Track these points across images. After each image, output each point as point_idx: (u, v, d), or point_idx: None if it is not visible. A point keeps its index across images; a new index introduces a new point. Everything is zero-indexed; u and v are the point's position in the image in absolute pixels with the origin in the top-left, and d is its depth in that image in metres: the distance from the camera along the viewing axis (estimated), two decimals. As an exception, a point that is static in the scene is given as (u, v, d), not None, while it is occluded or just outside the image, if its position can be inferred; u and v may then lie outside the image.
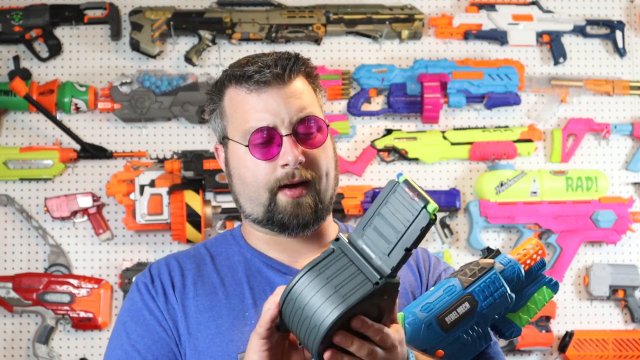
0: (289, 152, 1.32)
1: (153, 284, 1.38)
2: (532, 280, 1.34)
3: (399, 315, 1.21)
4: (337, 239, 1.10)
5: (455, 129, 2.86)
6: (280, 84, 1.35)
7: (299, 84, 1.37)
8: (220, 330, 1.32)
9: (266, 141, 1.34)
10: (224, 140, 1.41)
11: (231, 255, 1.42)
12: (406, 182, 1.05)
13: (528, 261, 1.33)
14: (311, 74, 1.41)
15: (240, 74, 1.36)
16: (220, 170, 2.68)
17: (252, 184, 1.36)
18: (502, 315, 1.30)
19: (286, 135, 1.33)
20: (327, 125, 1.39)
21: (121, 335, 1.37)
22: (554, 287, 1.35)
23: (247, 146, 1.34)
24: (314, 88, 1.41)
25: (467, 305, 1.25)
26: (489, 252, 1.32)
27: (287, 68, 1.35)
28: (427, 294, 1.28)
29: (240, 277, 1.38)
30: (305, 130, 1.35)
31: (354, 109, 2.84)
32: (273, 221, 1.36)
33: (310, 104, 1.37)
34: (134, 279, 2.18)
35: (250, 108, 1.35)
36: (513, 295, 1.29)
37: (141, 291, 1.38)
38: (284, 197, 1.34)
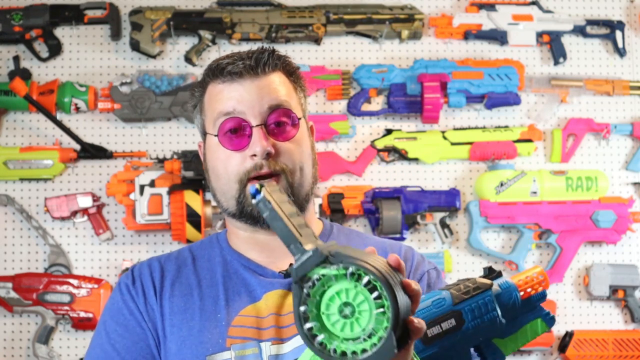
0: (257, 142, 1.32)
1: (134, 285, 1.38)
2: (528, 310, 1.26)
3: None
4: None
5: (455, 129, 2.86)
6: (253, 76, 1.35)
7: (275, 78, 1.37)
8: (192, 332, 1.32)
9: (236, 131, 1.34)
10: (203, 136, 1.42)
11: (212, 258, 1.41)
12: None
13: (529, 289, 1.26)
14: (291, 72, 1.41)
15: (215, 67, 1.37)
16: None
17: (224, 176, 1.35)
18: (488, 339, 1.23)
19: (256, 125, 1.33)
20: (302, 120, 1.38)
21: (101, 334, 1.38)
22: (550, 321, 1.28)
23: (216, 135, 1.34)
24: (294, 86, 1.41)
25: (452, 322, 1.18)
26: (490, 273, 1.25)
27: (260, 61, 1.35)
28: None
29: (217, 278, 1.37)
30: (277, 122, 1.34)
31: (354, 109, 2.84)
32: (245, 214, 1.36)
33: (284, 98, 1.36)
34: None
35: (222, 97, 1.35)
36: (504, 321, 1.21)
37: (122, 291, 1.38)
38: None
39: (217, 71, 1.37)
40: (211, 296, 1.35)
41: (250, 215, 1.35)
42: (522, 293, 1.24)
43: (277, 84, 1.37)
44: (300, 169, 1.36)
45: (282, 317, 1.33)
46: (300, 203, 1.37)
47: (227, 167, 1.35)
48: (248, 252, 1.40)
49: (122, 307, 1.38)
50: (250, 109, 1.33)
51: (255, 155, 1.32)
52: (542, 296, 1.26)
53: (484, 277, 1.24)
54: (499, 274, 1.25)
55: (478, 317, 1.19)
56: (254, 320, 1.32)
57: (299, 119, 1.37)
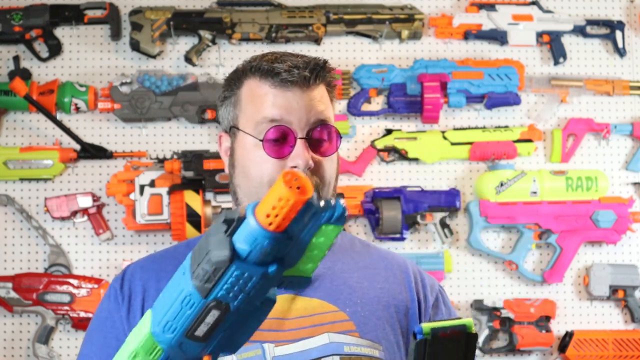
0: (301, 155, 1.32)
1: (122, 290, 1.38)
2: (302, 229, 0.92)
3: None
4: None
5: (455, 129, 2.86)
6: (304, 87, 1.35)
7: (322, 91, 1.38)
8: None
9: (280, 139, 1.33)
10: (231, 129, 1.40)
11: None
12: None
13: (280, 219, 0.89)
14: (331, 84, 1.43)
15: (267, 69, 1.35)
16: (220, 170, 2.68)
17: (256, 179, 1.35)
18: (277, 282, 0.96)
19: (301, 137, 1.33)
20: (340, 138, 1.39)
21: (87, 343, 1.41)
22: (339, 220, 0.93)
23: (261, 140, 1.33)
24: (331, 98, 1.42)
25: (215, 313, 0.94)
26: (228, 225, 0.91)
27: (315, 73, 1.36)
28: (165, 306, 0.96)
29: None
30: (319, 137, 1.35)
31: (354, 109, 2.84)
32: None
33: (328, 113, 1.38)
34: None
35: (269, 102, 1.34)
36: (272, 269, 0.91)
37: (110, 298, 1.39)
38: None
39: (269, 74, 1.35)
40: None
41: None
42: (272, 232, 0.90)
43: (323, 97, 1.38)
44: (329, 184, 1.37)
45: (287, 320, 1.32)
46: None
47: (263, 171, 1.34)
48: None
49: (107, 316, 1.38)
50: (298, 120, 1.34)
51: (295, 166, 1.32)
52: (307, 208, 0.90)
53: (223, 232, 0.92)
54: (234, 226, 0.91)
55: (239, 292, 0.93)
56: None
57: (341, 137, 1.39)
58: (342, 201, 0.93)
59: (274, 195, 0.88)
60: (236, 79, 1.40)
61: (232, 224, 0.91)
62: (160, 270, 1.39)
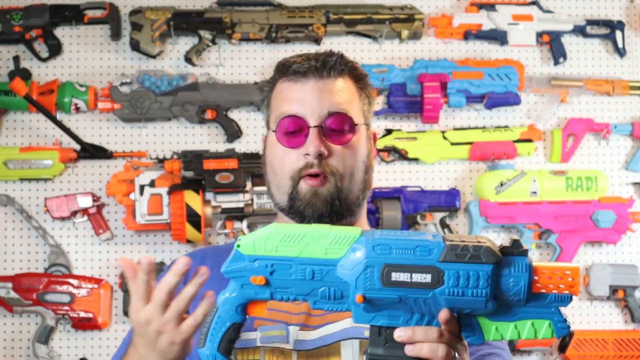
0: (311, 142, 1.37)
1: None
2: (538, 306, 1.07)
3: None
4: None
5: (455, 129, 2.86)
6: (318, 78, 1.40)
7: (340, 83, 1.41)
8: None
9: (294, 130, 1.38)
10: (267, 130, 1.47)
11: None
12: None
13: (550, 285, 1.05)
14: (359, 78, 1.45)
15: (282, 64, 1.43)
16: (220, 170, 2.69)
17: (279, 172, 1.41)
18: (470, 314, 1.07)
19: (313, 126, 1.37)
20: (361, 127, 1.41)
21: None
22: (560, 330, 1.07)
23: (274, 131, 1.40)
24: (359, 93, 1.45)
25: (427, 277, 1.03)
26: (514, 246, 1.06)
27: (327, 64, 1.40)
28: (401, 236, 1.06)
29: None
30: (334, 126, 1.39)
31: (354, 109, 2.83)
32: (294, 210, 1.40)
33: (346, 103, 1.40)
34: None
35: (286, 96, 1.41)
36: (491, 304, 1.05)
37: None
38: (304, 185, 1.39)
39: (283, 69, 1.42)
40: None
41: (299, 211, 1.39)
42: (539, 285, 1.06)
43: (340, 89, 1.41)
44: (351, 174, 1.40)
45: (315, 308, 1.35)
46: (348, 206, 1.41)
47: (284, 163, 1.40)
48: None
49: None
50: (310, 110, 1.38)
51: (308, 154, 1.37)
52: (564, 299, 1.06)
53: (504, 247, 1.06)
54: (523, 252, 1.06)
55: (462, 286, 1.03)
56: (286, 305, 1.32)
57: (356, 125, 1.41)
58: (572, 329, 1.03)
59: (564, 266, 1.06)
60: (269, 82, 1.47)
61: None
62: (206, 256, 1.43)
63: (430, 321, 1.07)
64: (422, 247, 1.04)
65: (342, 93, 1.41)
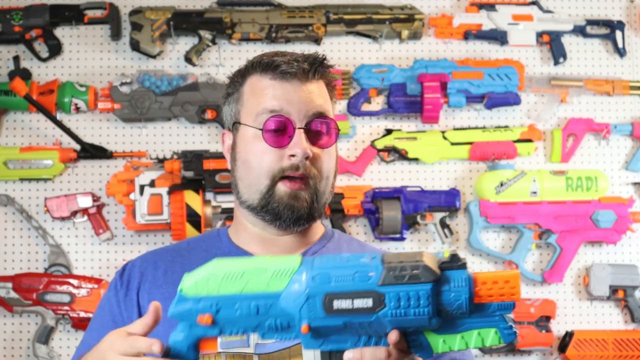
0: (300, 144, 1.35)
1: (121, 278, 1.45)
2: (483, 315, 1.08)
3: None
4: None
5: (455, 129, 2.86)
6: (303, 80, 1.39)
7: (321, 86, 1.42)
8: None
9: (279, 129, 1.37)
10: (234, 125, 1.43)
11: (210, 249, 1.44)
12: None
13: (491, 296, 1.06)
14: (330, 83, 1.46)
15: (268, 62, 1.40)
16: (220, 170, 2.68)
17: (256, 170, 1.38)
18: (416, 331, 1.09)
19: (299, 128, 1.36)
20: (338, 132, 1.42)
21: (87, 330, 1.46)
22: (507, 337, 1.08)
23: (261, 130, 1.37)
24: (330, 97, 1.45)
25: (369, 302, 1.05)
26: (452, 261, 1.07)
27: (314, 66, 1.39)
28: (339, 262, 1.08)
29: None
30: (317, 129, 1.39)
31: (354, 109, 2.84)
32: (267, 209, 1.38)
33: (327, 107, 1.41)
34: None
35: (269, 94, 1.38)
36: (435, 321, 1.06)
37: (111, 287, 1.46)
38: (283, 187, 1.37)
39: (267, 67, 1.39)
40: None
41: (274, 212, 1.38)
42: (480, 296, 1.07)
43: (322, 92, 1.42)
44: (327, 178, 1.40)
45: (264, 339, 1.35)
46: (320, 210, 1.41)
47: (262, 161, 1.37)
48: (250, 247, 1.43)
49: (105, 303, 1.44)
50: (297, 111, 1.37)
51: (294, 155, 1.35)
52: (506, 307, 1.07)
53: (443, 263, 1.07)
54: (461, 266, 1.07)
55: (403, 307, 1.04)
56: None
57: (339, 130, 1.42)
58: (516, 329, 1.07)
59: (504, 275, 1.06)
60: (239, 76, 1.44)
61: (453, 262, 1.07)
62: (159, 260, 1.44)
63: (377, 341, 1.08)
64: (361, 273, 1.05)
65: (324, 96, 1.41)
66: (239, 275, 1.08)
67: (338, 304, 1.05)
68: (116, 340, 1.13)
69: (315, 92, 1.39)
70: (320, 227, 1.50)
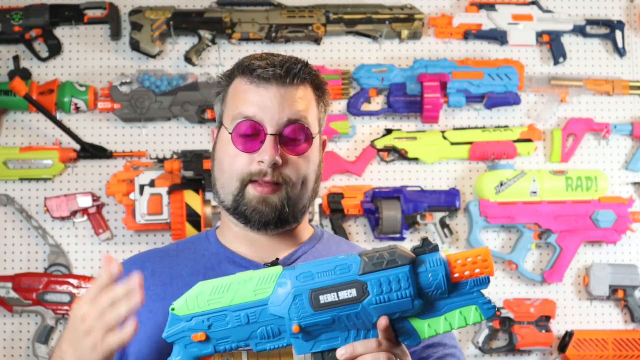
0: (268, 151, 1.35)
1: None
2: (461, 294, 1.12)
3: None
4: None
5: (455, 129, 2.86)
6: (281, 85, 1.38)
7: (301, 91, 1.40)
8: (167, 319, 1.35)
9: (251, 134, 1.37)
10: (219, 125, 1.45)
11: (198, 250, 1.45)
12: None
13: (466, 272, 1.11)
14: (320, 87, 1.44)
15: (247, 65, 1.40)
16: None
17: (227, 172, 1.39)
18: (401, 318, 1.13)
19: (271, 134, 1.36)
20: (316, 137, 1.41)
21: None
22: (487, 311, 1.12)
23: (231, 134, 1.38)
24: (317, 101, 1.43)
25: (353, 292, 1.10)
26: (424, 245, 1.12)
27: (291, 72, 1.38)
28: (319, 262, 1.13)
29: (199, 269, 1.41)
30: (291, 135, 1.38)
31: (354, 109, 2.84)
32: (238, 211, 1.39)
33: (304, 113, 1.39)
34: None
35: (245, 98, 1.38)
36: (418, 302, 1.11)
37: None
38: (252, 191, 1.38)
39: (247, 70, 1.39)
40: (191, 285, 1.37)
41: (244, 215, 1.39)
42: (456, 275, 1.12)
43: (301, 97, 1.40)
44: (303, 183, 1.40)
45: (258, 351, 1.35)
46: (295, 215, 1.41)
47: (233, 164, 1.38)
48: (237, 247, 1.44)
49: None
50: (270, 116, 1.36)
51: (262, 162, 1.35)
52: (482, 282, 1.12)
53: (416, 248, 1.13)
54: (434, 249, 1.12)
55: (386, 292, 1.10)
56: None
57: (313, 137, 1.40)
58: (494, 304, 1.12)
59: (475, 252, 1.12)
60: (226, 77, 1.45)
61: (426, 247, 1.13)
62: (147, 262, 1.44)
63: (367, 334, 1.13)
64: (341, 266, 1.11)
65: (302, 101, 1.39)
66: (226, 288, 1.13)
67: (324, 298, 1.10)
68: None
69: (294, 98, 1.38)
70: (308, 229, 1.50)
